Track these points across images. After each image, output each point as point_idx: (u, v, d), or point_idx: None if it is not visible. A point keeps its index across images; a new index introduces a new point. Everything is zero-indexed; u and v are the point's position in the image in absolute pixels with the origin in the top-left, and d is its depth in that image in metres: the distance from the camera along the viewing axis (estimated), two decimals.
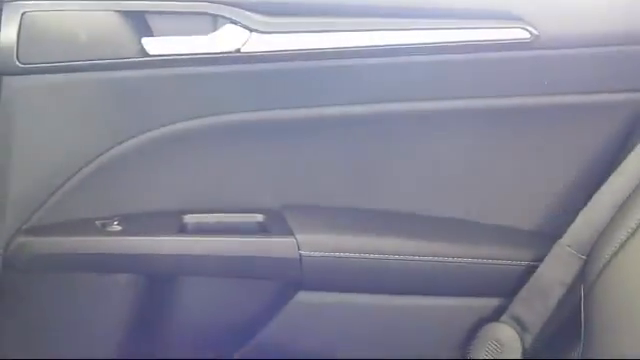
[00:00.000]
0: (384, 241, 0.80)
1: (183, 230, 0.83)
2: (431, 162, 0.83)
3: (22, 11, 0.75)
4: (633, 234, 0.66)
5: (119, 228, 0.82)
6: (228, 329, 0.85)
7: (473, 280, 0.80)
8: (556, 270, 0.74)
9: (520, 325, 0.76)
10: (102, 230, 0.82)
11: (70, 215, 0.83)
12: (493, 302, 0.80)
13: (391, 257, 0.79)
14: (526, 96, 0.77)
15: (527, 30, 0.73)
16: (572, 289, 0.73)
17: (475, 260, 0.80)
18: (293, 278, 0.80)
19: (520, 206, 0.83)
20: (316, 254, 0.79)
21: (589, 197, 0.75)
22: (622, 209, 0.69)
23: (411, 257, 0.79)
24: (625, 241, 0.66)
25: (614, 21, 0.75)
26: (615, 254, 0.67)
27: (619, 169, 0.73)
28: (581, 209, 0.75)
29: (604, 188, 0.73)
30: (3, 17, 0.75)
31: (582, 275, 0.71)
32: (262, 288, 0.84)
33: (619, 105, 0.77)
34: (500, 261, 0.79)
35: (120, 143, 0.81)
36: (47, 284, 0.84)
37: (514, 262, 0.79)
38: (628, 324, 0.64)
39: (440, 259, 0.79)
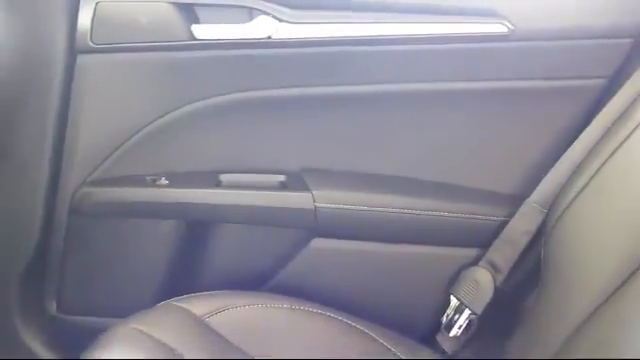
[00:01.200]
0: (385, 198, 0.96)
1: (218, 186, 1.00)
2: (424, 134, 0.98)
3: (96, 1, 0.93)
4: (581, 191, 0.82)
5: (166, 182, 1.00)
6: (253, 269, 1.01)
7: (458, 232, 0.96)
8: (523, 222, 0.91)
9: (494, 268, 0.92)
10: (152, 183, 0.99)
11: (126, 171, 1.00)
12: (474, 251, 0.96)
13: (390, 210, 0.96)
14: (504, 80, 0.93)
15: (505, 25, 0.89)
16: (536, 238, 0.89)
17: (460, 215, 0.96)
18: (309, 226, 0.97)
19: (498, 172, 0.98)
20: (328, 206, 0.96)
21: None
22: (576, 172, 0.85)
23: (407, 211, 0.96)
24: (575, 197, 0.82)
25: (576, 19, 0.90)
26: (567, 208, 0.83)
27: (577, 140, 0.89)
28: None
29: (565, 155, 0.89)
30: (81, 6, 0.93)
31: (543, 226, 0.88)
32: (283, 235, 1.00)
33: (579, 88, 0.92)
34: (480, 217, 0.95)
35: (168, 112, 0.98)
36: (106, 228, 1.01)
37: (491, 218, 0.95)
38: (573, 267, 0.79)
39: (431, 213, 0.96)
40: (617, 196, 0.77)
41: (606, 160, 0.81)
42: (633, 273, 0.68)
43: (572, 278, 0.78)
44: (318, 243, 0.98)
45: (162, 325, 0.78)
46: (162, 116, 0.97)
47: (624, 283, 0.68)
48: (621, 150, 0.80)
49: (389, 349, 0.88)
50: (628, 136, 0.80)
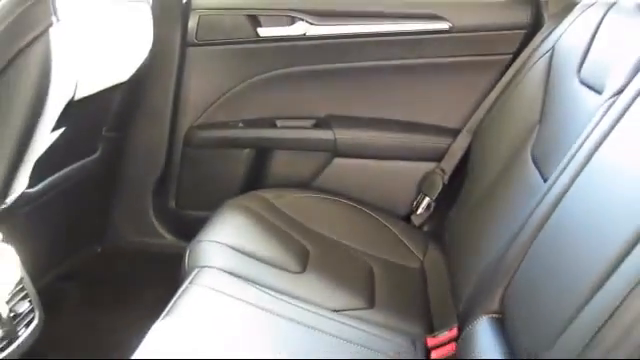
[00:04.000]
0: (378, 131, 1.56)
1: (275, 127, 1.61)
2: (401, 92, 1.57)
3: (199, 14, 1.53)
4: (491, 121, 1.40)
5: (242, 125, 1.60)
6: (297, 177, 1.60)
7: (424, 152, 1.55)
8: (460, 143, 1.50)
9: (443, 172, 1.51)
10: (234, 126, 1.60)
11: (217, 118, 1.61)
12: (433, 164, 1.54)
13: (382, 138, 1.55)
14: (447, 57, 1.51)
15: (447, 23, 1.47)
16: (467, 152, 1.48)
17: (425, 142, 1.55)
18: (331, 150, 1.57)
19: (446, 114, 1.55)
20: (344, 137, 1.56)
21: None
22: (487, 111, 1.44)
23: (393, 138, 1.55)
24: (488, 124, 1.41)
25: (491, 19, 1.48)
26: (482, 131, 1.42)
27: (492, 92, 1.47)
28: None
29: (483, 103, 1.48)
30: (190, 17, 1.53)
31: (470, 144, 1.47)
32: (315, 156, 1.59)
33: (494, 61, 1.50)
34: (437, 142, 1.54)
35: (243, 82, 1.58)
36: (205, 155, 1.62)
37: (443, 143, 1.53)
38: (482, 161, 1.38)
39: (408, 140, 1.55)
40: (508, 120, 1.36)
41: (505, 102, 1.39)
42: (513, 161, 1.24)
43: (482, 168, 1.37)
44: (338, 161, 1.59)
45: (254, 203, 1.39)
46: (238, 84, 1.58)
47: (511, 163, 1.24)
48: (513, 96, 1.38)
49: (380, 221, 1.49)
50: (517, 85, 1.38)
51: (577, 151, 0.93)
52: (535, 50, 1.38)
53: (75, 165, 1.36)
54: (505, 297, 0.93)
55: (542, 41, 1.38)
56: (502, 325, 0.92)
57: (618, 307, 0.62)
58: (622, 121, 0.85)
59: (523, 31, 1.47)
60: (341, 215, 1.49)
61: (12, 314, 0.94)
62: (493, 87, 1.48)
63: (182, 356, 0.90)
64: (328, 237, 1.39)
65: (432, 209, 1.53)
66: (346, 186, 1.58)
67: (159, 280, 1.21)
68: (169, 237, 1.67)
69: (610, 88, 0.96)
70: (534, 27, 1.45)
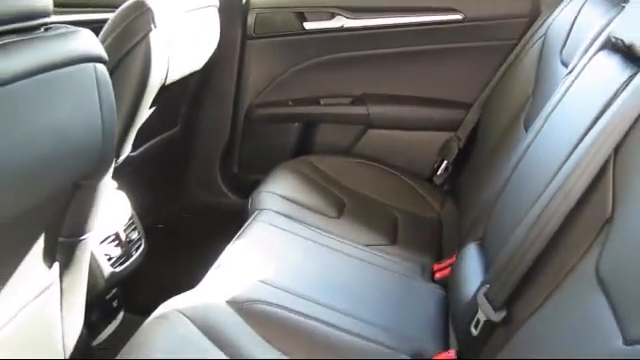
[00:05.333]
0: (404, 106, 1.88)
1: (319, 104, 1.94)
2: (421, 73, 1.87)
3: (256, 13, 1.87)
4: (497, 96, 1.69)
5: (292, 103, 1.94)
6: (338, 145, 1.93)
7: (443, 123, 1.85)
8: (472, 115, 1.79)
9: (458, 139, 1.81)
10: (284, 104, 1.94)
11: (271, 98, 1.95)
12: (451, 133, 1.84)
13: (409, 111, 1.86)
14: (460, 42, 1.80)
15: (460, 15, 1.76)
16: (478, 122, 1.78)
17: (444, 114, 1.85)
18: (366, 123, 1.90)
19: (461, 90, 1.84)
20: (375, 112, 1.88)
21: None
22: (495, 86, 1.72)
23: (416, 111, 1.86)
24: (495, 100, 1.70)
25: (498, 10, 1.76)
26: (490, 105, 1.71)
27: (498, 71, 1.75)
28: None
29: (491, 81, 1.76)
30: (249, 16, 1.87)
31: (481, 116, 1.76)
32: (353, 128, 1.92)
33: (501, 45, 1.78)
34: (454, 114, 1.84)
35: (292, 67, 1.91)
36: (263, 128, 1.97)
37: (459, 115, 1.83)
38: (489, 126, 1.67)
39: (429, 112, 1.86)
40: (509, 95, 1.64)
41: (507, 80, 1.68)
42: (511, 128, 1.53)
43: (488, 134, 1.67)
44: (371, 132, 1.91)
45: (302, 166, 1.73)
46: (289, 69, 1.92)
47: (509, 129, 1.53)
48: (514, 75, 1.67)
49: (406, 181, 1.80)
50: (517, 65, 1.66)
51: (543, 112, 1.23)
52: (532, 36, 1.66)
53: (161, 136, 1.72)
54: (486, 225, 1.24)
55: (538, 28, 1.65)
56: (482, 248, 1.23)
57: (540, 215, 0.93)
58: (568, 92, 1.14)
59: (525, 19, 1.74)
60: (373, 176, 1.81)
61: (127, 239, 1.32)
62: (499, 68, 1.77)
63: (249, 267, 1.24)
64: (361, 192, 1.71)
65: (450, 171, 1.84)
66: (378, 153, 1.90)
67: (224, 230, 1.48)
68: (233, 197, 2.02)
69: (570, 67, 1.25)
70: (533, 15, 1.72)
